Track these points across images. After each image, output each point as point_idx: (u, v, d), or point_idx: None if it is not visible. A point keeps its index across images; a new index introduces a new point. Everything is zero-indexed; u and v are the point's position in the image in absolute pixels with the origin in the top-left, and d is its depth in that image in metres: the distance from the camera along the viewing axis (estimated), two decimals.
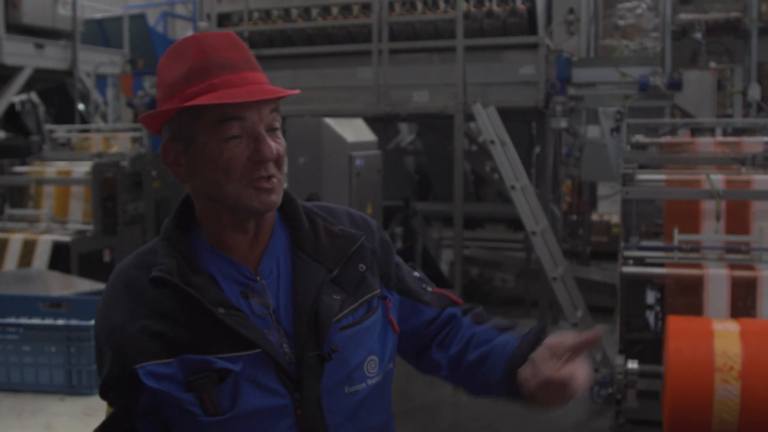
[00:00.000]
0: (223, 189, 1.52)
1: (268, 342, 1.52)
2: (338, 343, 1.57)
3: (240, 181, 1.51)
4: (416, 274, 1.81)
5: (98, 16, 13.52)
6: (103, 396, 1.61)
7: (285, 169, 1.60)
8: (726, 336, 4.61)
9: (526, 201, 6.57)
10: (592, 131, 9.89)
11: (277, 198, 1.55)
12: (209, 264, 1.59)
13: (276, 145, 1.54)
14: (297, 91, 1.60)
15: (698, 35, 7.95)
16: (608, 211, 13.10)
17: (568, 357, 1.52)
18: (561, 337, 1.55)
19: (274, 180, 1.54)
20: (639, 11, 10.88)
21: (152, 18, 14.77)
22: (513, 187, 6.57)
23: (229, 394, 1.51)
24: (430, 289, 1.80)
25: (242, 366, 1.51)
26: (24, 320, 3.34)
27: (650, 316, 6.10)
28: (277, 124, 1.56)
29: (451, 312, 1.81)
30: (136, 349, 1.52)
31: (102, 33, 13.24)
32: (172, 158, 1.57)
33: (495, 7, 7.23)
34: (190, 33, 14.70)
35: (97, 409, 2.97)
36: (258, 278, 1.59)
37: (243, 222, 1.58)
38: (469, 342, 1.74)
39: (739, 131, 6.83)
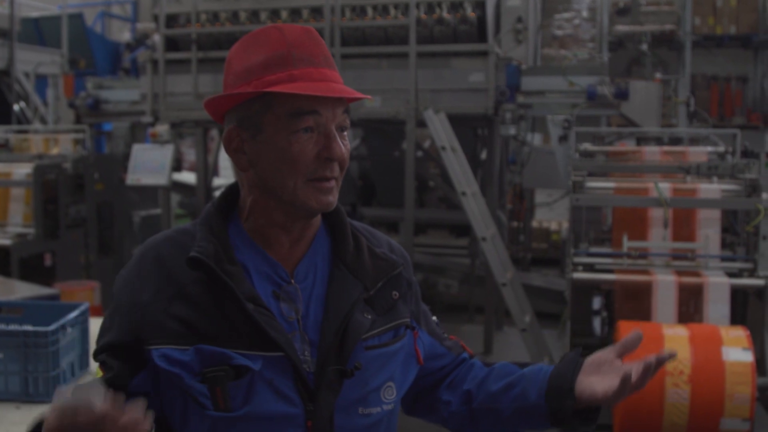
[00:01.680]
0: (284, 182, 1.51)
1: (292, 347, 1.50)
2: (361, 362, 1.55)
3: (303, 176, 1.50)
4: (434, 318, 1.83)
5: (34, 14, 13.22)
6: (98, 357, 1.57)
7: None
8: (676, 340, 4.72)
9: (476, 207, 6.61)
10: (536, 139, 10.02)
11: (333, 200, 1.55)
12: (245, 257, 1.57)
13: (343, 146, 1.54)
14: (370, 97, 1.64)
15: (644, 46, 8.12)
16: (546, 218, 13.31)
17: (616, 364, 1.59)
18: (601, 353, 1.62)
19: (333, 183, 1.54)
20: (576, 22, 11.07)
21: (90, 18, 14.50)
22: (464, 193, 6.60)
23: (243, 392, 1.48)
24: (446, 335, 1.82)
25: (261, 366, 1.48)
26: None
27: (596, 322, 6.19)
28: (347, 126, 1.56)
29: (463, 357, 1.83)
30: (156, 329, 1.50)
31: (37, 32, 12.94)
32: (236, 145, 1.56)
33: (446, 15, 7.27)
34: (127, 34, 14.47)
35: None
36: (292, 281, 1.57)
37: (292, 220, 1.57)
38: (488, 376, 1.76)
39: (676, 140, 7.00)
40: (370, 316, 1.58)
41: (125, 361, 1.52)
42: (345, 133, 1.56)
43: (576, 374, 1.62)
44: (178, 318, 1.49)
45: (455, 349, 1.82)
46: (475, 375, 1.78)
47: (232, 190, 1.64)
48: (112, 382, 1.51)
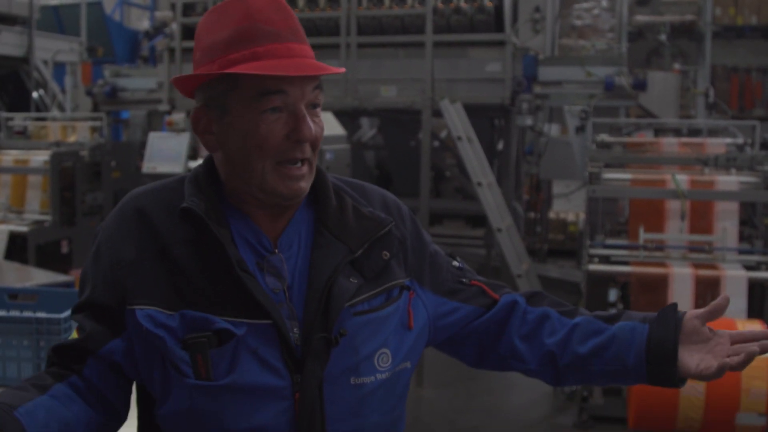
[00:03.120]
0: (253, 165, 1.44)
1: (279, 313, 1.43)
2: (349, 328, 1.47)
3: (272, 159, 1.44)
4: (455, 263, 1.69)
5: (54, 2, 13.28)
6: (75, 315, 1.51)
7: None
8: None
9: (492, 198, 6.58)
10: (553, 130, 9.96)
11: (306, 185, 1.47)
12: (230, 222, 1.50)
13: (315, 126, 1.46)
14: (342, 69, 1.50)
15: (663, 37, 8.05)
16: (563, 209, 13.23)
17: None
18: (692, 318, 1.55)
19: (305, 168, 1.47)
20: (596, 12, 10.98)
21: (109, 6, 14.55)
22: (479, 184, 6.57)
23: (227, 361, 1.41)
24: (466, 280, 1.68)
25: (245, 333, 1.42)
26: None
27: None
28: (320, 102, 1.48)
29: (510, 300, 1.68)
30: (141, 290, 1.44)
31: (57, 20, 13.01)
32: (203, 126, 1.49)
33: (463, 4, 7.24)
34: (146, 22, 14.51)
35: None
36: (276, 251, 1.50)
37: (266, 203, 1.50)
38: (572, 334, 1.64)
39: (695, 132, 6.94)
40: (355, 281, 1.49)
41: (101, 322, 1.47)
42: (317, 109, 1.48)
43: (677, 338, 1.54)
44: (164, 280, 1.44)
45: (475, 298, 1.67)
46: (554, 330, 1.65)
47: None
48: (83, 344, 1.47)
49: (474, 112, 7.35)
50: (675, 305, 1.60)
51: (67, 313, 3.13)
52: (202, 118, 1.49)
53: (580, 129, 7.05)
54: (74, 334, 1.51)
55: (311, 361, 1.43)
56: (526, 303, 1.70)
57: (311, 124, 1.44)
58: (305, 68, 1.41)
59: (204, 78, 1.46)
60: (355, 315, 1.49)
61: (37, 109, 10.53)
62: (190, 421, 1.45)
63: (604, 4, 10.76)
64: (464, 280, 1.69)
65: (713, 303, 1.54)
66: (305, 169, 1.47)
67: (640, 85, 7.03)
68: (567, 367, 1.65)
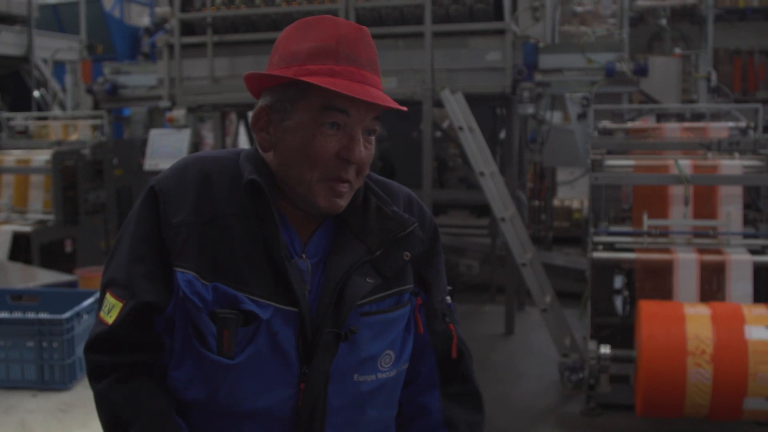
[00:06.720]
0: (299, 174, 1.51)
1: (307, 305, 1.50)
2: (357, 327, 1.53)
3: (320, 173, 1.50)
4: (448, 298, 1.74)
5: (53, 1, 13.27)
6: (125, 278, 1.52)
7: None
8: (697, 320, 4.66)
9: (494, 187, 6.56)
10: (556, 117, 9.93)
11: (343, 204, 1.54)
12: None
13: (365, 151, 1.52)
14: (405, 108, 1.57)
15: (663, 21, 8.00)
16: (568, 196, 13.20)
17: None
18: None
19: (347, 186, 1.52)
20: None
21: (108, 3, 14.52)
22: (482, 174, 6.55)
23: (246, 340, 1.48)
24: (447, 319, 1.72)
25: (270, 316, 1.48)
26: None
27: (617, 301, 6.14)
28: (375, 130, 1.55)
29: (436, 377, 1.74)
30: (185, 252, 1.49)
31: (56, 18, 13.01)
32: (263, 124, 1.56)
33: None
34: (146, 19, 14.50)
35: (72, 405, 2.89)
36: (303, 255, 1.56)
37: (301, 207, 1.57)
38: None
39: (697, 116, 6.89)
40: (372, 280, 1.55)
41: (160, 283, 1.51)
42: (372, 137, 1.55)
43: None
44: (207, 248, 1.49)
45: (442, 344, 1.70)
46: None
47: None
48: (139, 312, 1.50)
49: (475, 101, 7.31)
50: None
51: (70, 313, 3.13)
52: (262, 117, 1.56)
53: (582, 116, 6.99)
54: (111, 301, 1.51)
55: (320, 355, 1.50)
56: (441, 385, 1.73)
57: (362, 147, 1.51)
58: (375, 97, 1.47)
59: (276, 80, 1.52)
60: (363, 315, 1.54)
61: (38, 109, 10.54)
62: (199, 390, 1.50)
63: None
64: (446, 317, 1.72)
65: None
66: (347, 187, 1.53)
67: (642, 71, 6.99)
68: None
